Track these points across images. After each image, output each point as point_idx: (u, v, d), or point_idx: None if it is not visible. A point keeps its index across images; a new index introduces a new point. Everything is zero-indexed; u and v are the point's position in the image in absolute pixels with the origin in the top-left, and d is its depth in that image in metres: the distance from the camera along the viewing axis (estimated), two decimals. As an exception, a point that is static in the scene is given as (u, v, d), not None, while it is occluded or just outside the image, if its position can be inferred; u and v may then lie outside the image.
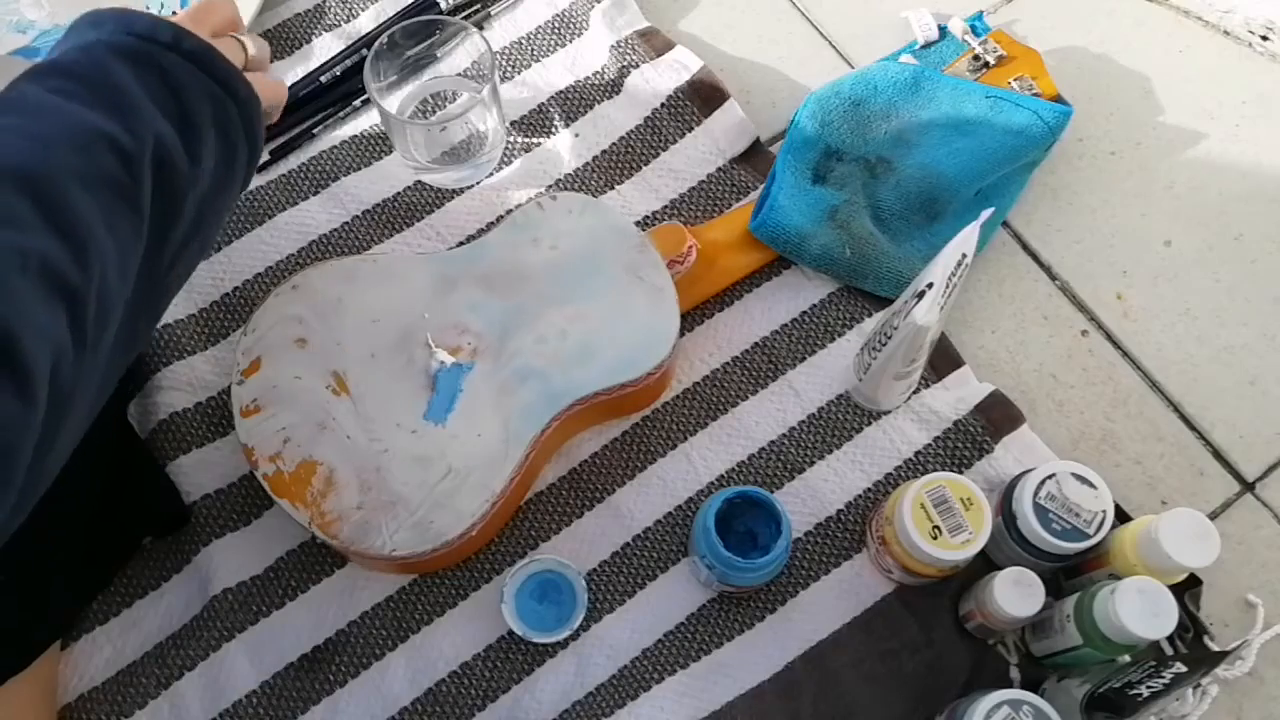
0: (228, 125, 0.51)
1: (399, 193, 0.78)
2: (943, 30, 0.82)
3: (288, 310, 0.65)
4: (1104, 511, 0.61)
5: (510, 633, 0.65)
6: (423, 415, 0.63)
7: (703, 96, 0.79)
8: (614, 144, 0.79)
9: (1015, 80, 0.77)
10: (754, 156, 0.79)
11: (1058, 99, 0.77)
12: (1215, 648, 0.64)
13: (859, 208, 0.74)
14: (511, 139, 0.79)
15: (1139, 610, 0.55)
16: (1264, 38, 0.82)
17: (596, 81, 0.81)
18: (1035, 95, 0.76)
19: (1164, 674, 0.54)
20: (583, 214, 0.68)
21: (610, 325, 0.65)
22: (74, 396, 0.42)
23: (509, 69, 0.82)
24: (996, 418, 0.70)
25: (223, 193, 0.52)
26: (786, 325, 0.73)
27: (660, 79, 0.79)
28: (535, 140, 0.79)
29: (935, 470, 0.68)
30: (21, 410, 0.38)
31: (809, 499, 0.69)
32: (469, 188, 0.78)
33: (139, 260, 0.46)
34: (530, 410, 0.63)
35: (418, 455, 0.62)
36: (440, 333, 0.65)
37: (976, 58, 0.78)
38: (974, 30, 0.80)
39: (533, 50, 0.83)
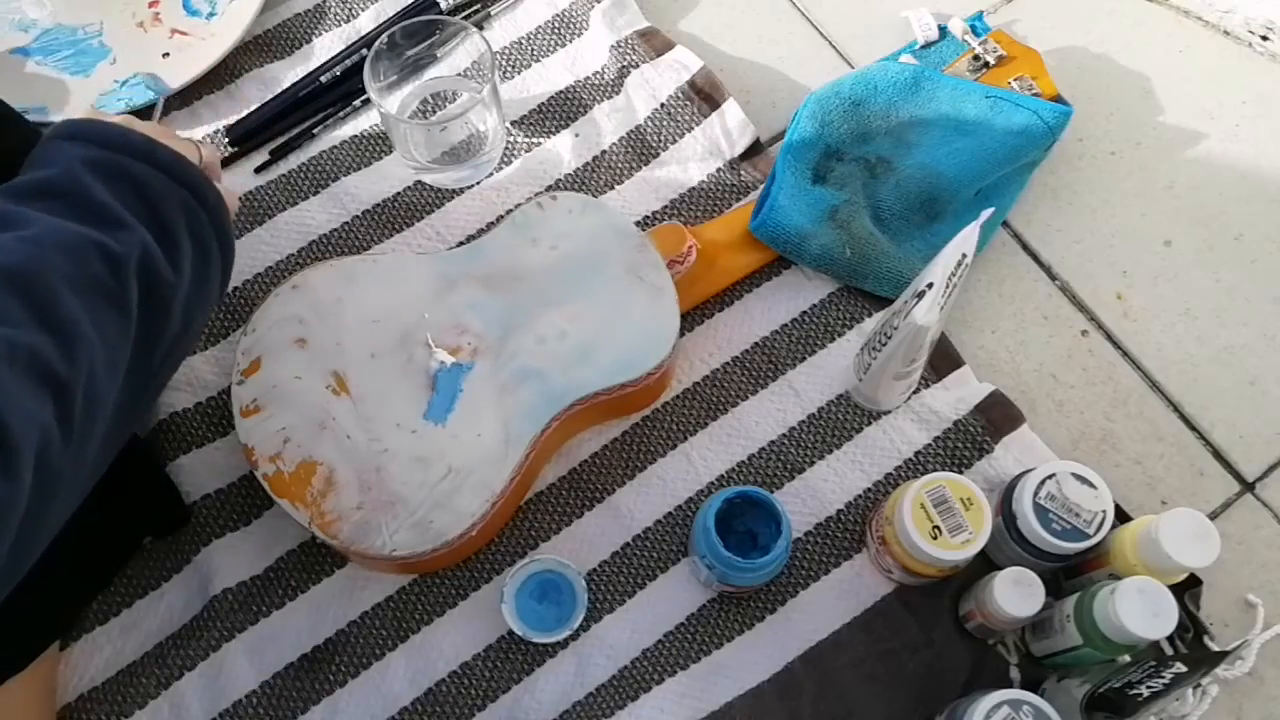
0: (200, 230, 0.53)
1: (399, 193, 0.78)
2: (943, 30, 0.82)
3: (288, 310, 0.65)
4: (1104, 511, 0.61)
5: (510, 633, 0.65)
6: (423, 415, 0.63)
7: (703, 96, 0.79)
8: (614, 144, 0.79)
9: (1015, 80, 0.77)
10: (754, 156, 0.79)
11: (1058, 99, 0.77)
12: (1215, 648, 0.64)
13: (859, 208, 0.74)
14: (511, 139, 0.79)
15: (1139, 610, 0.55)
16: (1264, 38, 0.82)
17: (596, 81, 0.81)
18: (1035, 95, 0.76)
19: (1164, 674, 0.54)
20: (583, 214, 0.68)
21: (610, 325, 0.65)
22: (61, 481, 0.44)
23: (509, 69, 0.82)
24: (996, 418, 0.70)
25: (203, 294, 0.54)
26: (786, 325, 0.73)
27: (660, 79, 0.79)
28: (535, 140, 0.79)
29: (935, 470, 0.68)
30: (6, 487, 0.39)
31: (809, 499, 0.69)
32: (469, 188, 0.78)
33: (128, 359, 0.48)
34: (530, 410, 0.63)
35: (418, 455, 0.62)
36: (440, 333, 0.65)
37: (976, 58, 0.78)
38: (974, 30, 0.80)
39: (533, 50, 0.83)
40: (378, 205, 0.77)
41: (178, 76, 0.80)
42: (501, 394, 0.63)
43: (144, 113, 0.79)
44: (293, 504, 0.61)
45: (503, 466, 0.62)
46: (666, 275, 0.66)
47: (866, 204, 0.74)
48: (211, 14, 0.82)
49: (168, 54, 0.81)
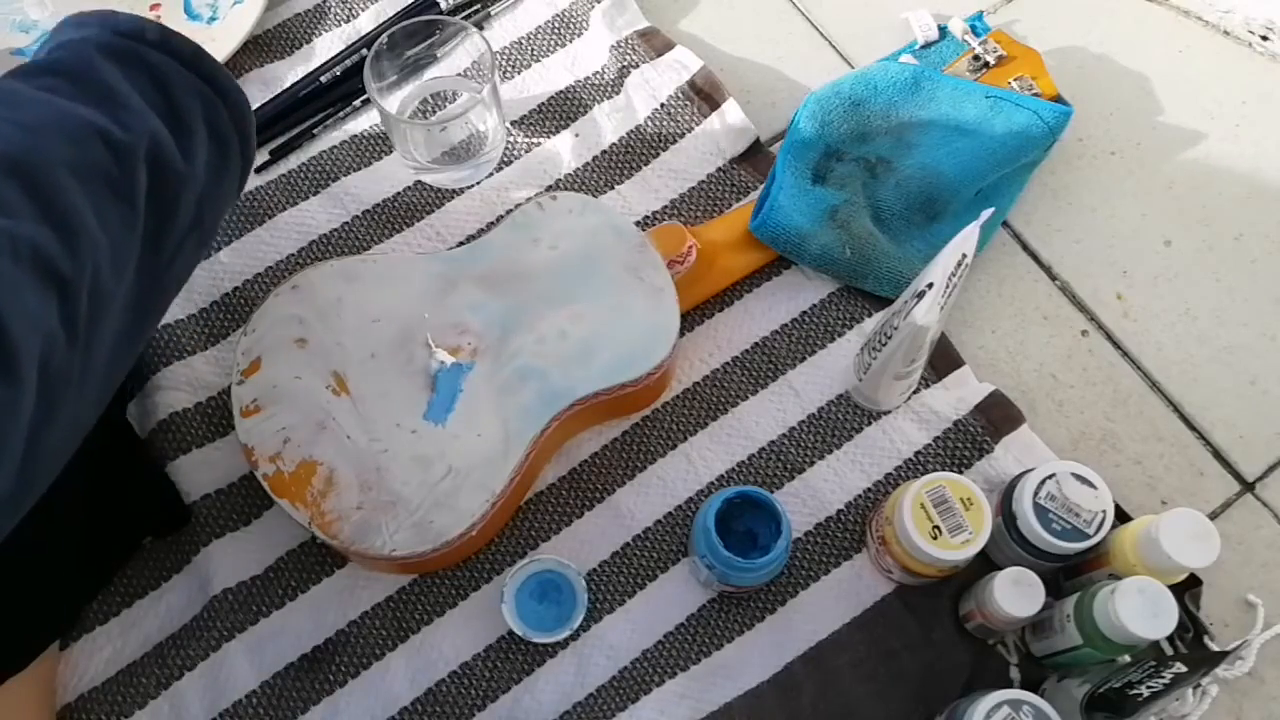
0: (218, 123, 0.51)
1: (399, 193, 0.78)
2: (943, 30, 0.82)
3: (288, 310, 0.65)
4: (1104, 511, 0.61)
5: (510, 633, 0.65)
6: (423, 415, 0.63)
7: (703, 96, 0.79)
8: (614, 144, 0.79)
9: (1015, 80, 0.77)
10: (754, 156, 0.79)
11: (1058, 99, 0.77)
12: (1215, 648, 0.64)
13: (859, 208, 0.74)
14: (511, 139, 0.79)
15: (1139, 610, 0.55)
16: (1264, 38, 0.82)
17: (596, 82, 0.81)
18: (1035, 95, 0.76)
19: (1164, 674, 0.54)
20: (583, 214, 0.68)
21: (610, 325, 0.65)
22: (68, 386, 0.41)
23: (509, 69, 0.82)
24: (996, 418, 0.70)
25: (219, 191, 0.52)
26: (786, 325, 0.73)
27: (660, 79, 0.79)
28: (535, 140, 0.79)
29: (935, 470, 0.68)
30: (7, 390, 0.37)
31: (809, 499, 0.69)
32: (469, 188, 0.78)
33: (135, 256, 0.45)
34: (530, 410, 0.63)
35: (418, 455, 0.62)
36: (440, 333, 0.65)
37: (976, 58, 0.78)
38: (974, 30, 0.80)
39: (533, 50, 0.83)
40: (378, 205, 0.77)
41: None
42: (501, 394, 0.63)
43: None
44: (293, 504, 0.61)
45: (503, 466, 0.62)
46: (666, 275, 0.66)
47: (866, 204, 0.74)
48: (213, 18, 0.82)
49: (168, 55, 0.81)
